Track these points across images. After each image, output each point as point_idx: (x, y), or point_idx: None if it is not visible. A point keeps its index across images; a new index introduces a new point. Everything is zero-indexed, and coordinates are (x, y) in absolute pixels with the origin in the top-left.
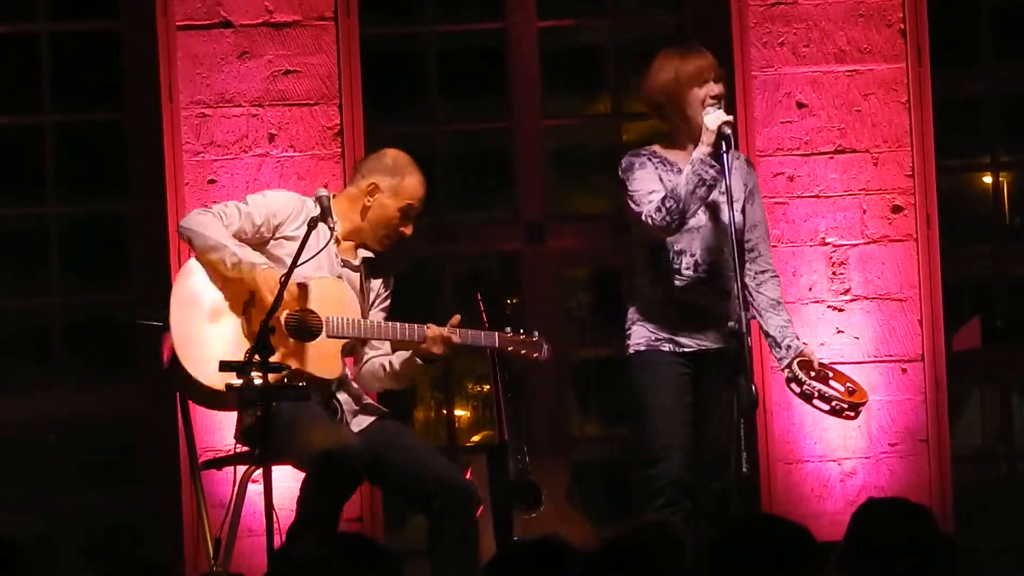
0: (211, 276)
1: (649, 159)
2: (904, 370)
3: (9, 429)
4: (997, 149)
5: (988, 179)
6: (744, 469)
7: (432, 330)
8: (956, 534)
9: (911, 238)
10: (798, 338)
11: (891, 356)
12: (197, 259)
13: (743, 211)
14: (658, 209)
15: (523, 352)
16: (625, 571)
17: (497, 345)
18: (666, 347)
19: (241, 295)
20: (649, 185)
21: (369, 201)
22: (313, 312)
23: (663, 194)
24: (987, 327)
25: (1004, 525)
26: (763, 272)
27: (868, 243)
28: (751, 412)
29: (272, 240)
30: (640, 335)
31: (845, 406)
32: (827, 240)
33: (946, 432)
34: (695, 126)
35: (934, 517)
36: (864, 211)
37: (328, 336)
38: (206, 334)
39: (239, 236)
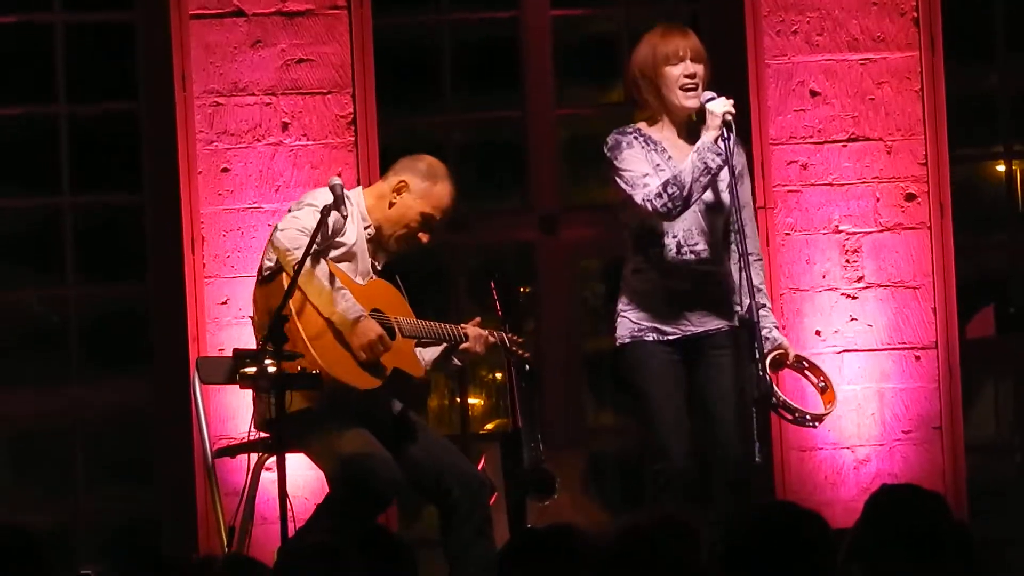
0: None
1: (636, 137)
2: (918, 358)
3: (24, 422)
4: (1011, 138)
5: (1002, 168)
6: (757, 459)
7: (473, 330)
8: (969, 523)
9: (924, 226)
10: (777, 328)
11: (905, 344)
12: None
13: (734, 191)
14: (659, 195)
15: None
16: (640, 561)
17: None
18: (650, 336)
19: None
20: (640, 167)
21: (395, 198)
22: (381, 312)
23: (664, 179)
24: (1000, 316)
25: (1017, 515)
26: (748, 255)
27: (882, 231)
28: (764, 401)
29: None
30: (624, 327)
31: (808, 417)
32: (840, 228)
33: (959, 420)
34: (670, 106)
35: (947, 504)
36: (877, 199)
37: (403, 336)
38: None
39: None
